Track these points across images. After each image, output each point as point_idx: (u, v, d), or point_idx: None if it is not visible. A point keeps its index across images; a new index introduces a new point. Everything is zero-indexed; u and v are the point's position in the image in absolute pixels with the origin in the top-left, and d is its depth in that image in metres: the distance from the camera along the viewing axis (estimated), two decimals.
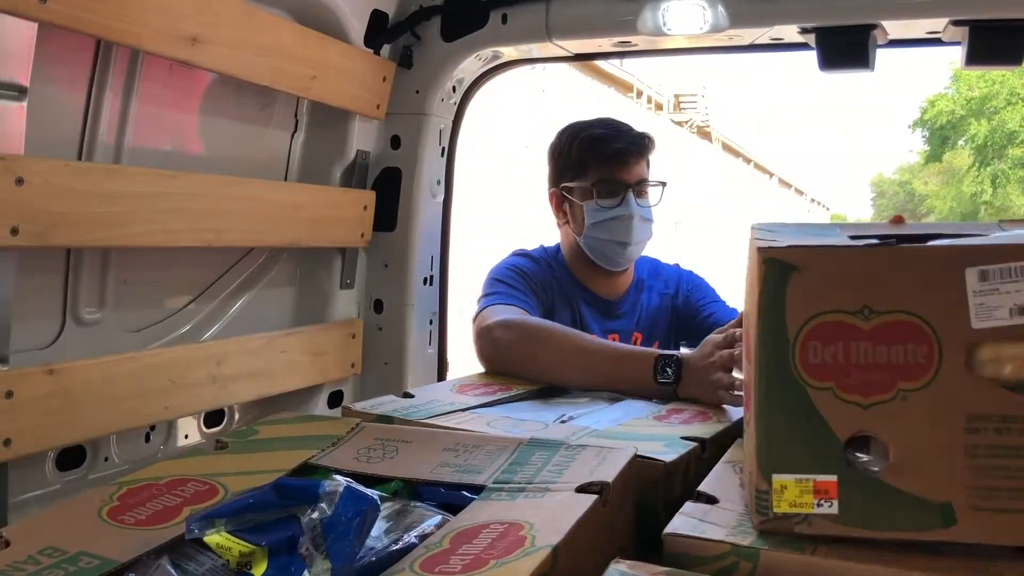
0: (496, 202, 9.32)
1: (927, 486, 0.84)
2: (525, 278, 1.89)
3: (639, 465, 1.03)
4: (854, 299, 0.85)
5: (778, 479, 0.87)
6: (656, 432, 1.23)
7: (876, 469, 0.85)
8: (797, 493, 0.86)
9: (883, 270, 0.85)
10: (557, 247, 2.04)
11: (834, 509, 0.86)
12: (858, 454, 0.86)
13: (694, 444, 1.16)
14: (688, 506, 0.95)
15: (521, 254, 2.00)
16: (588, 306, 1.98)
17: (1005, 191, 24.40)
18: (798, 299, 0.86)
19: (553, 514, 0.86)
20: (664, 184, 1.97)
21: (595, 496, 0.89)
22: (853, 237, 0.93)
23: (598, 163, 1.89)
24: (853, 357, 0.85)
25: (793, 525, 0.86)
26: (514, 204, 9.83)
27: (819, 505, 0.86)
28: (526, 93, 10.18)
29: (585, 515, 0.85)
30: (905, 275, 0.84)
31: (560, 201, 1.97)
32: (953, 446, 0.83)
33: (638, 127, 2.00)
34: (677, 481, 1.09)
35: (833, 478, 0.86)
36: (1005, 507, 0.82)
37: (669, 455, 1.10)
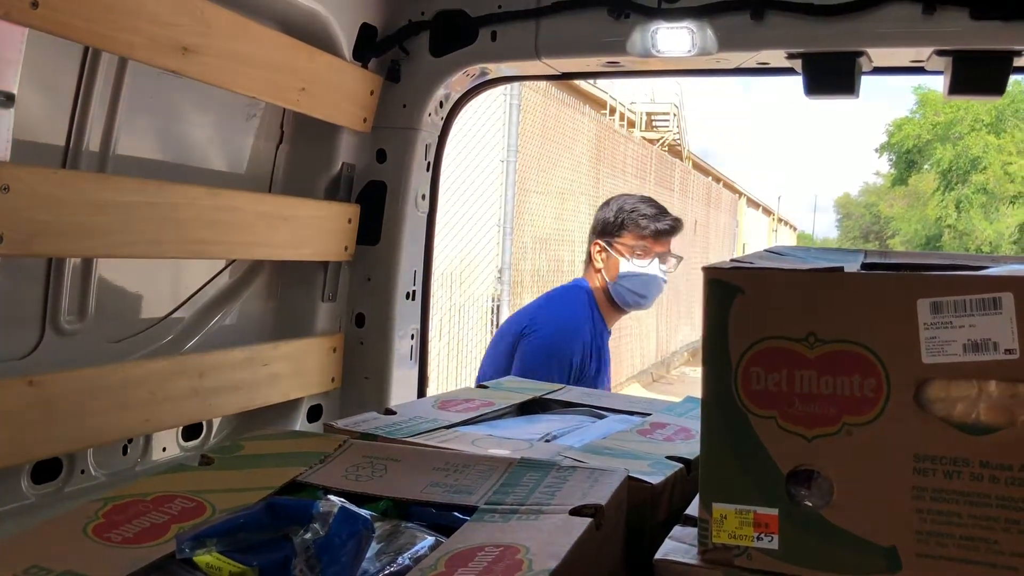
0: (483, 217, 9.32)
1: (871, 527, 0.80)
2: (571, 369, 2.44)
3: (627, 487, 1.03)
4: (799, 325, 0.81)
5: (718, 508, 0.85)
6: (640, 449, 1.23)
7: (819, 505, 0.82)
8: (737, 524, 0.84)
9: (830, 297, 0.81)
10: (588, 289, 2.60)
11: (774, 544, 0.83)
12: (801, 488, 0.83)
13: (679, 465, 1.16)
14: (677, 530, 0.94)
15: (578, 320, 2.53)
16: (602, 337, 2.59)
17: (968, 215, 24.84)
18: (741, 322, 0.83)
19: (548, 537, 0.85)
20: (680, 259, 2.61)
21: (589, 519, 0.88)
22: (866, 265, 0.92)
23: (643, 233, 2.53)
24: (797, 386, 0.81)
25: (733, 557, 0.84)
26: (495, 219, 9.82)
27: (759, 538, 0.83)
28: (501, 107, 10.19)
29: (580, 539, 0.85)
30: (853, 303, 0.80)
31: (600, 251, 2.58)
32: (899, 487, 0.79)
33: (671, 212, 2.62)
34: (663, 502, 1.09)
35: (774, 511, 0.83)
36: (954, 555, 0.78)
37: (656, 477, 1.09)
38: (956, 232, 25.16)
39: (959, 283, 0.78)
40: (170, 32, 1.46)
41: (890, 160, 27.55)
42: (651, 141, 18.61)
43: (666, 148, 19.52)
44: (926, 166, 26.48)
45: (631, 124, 18.16)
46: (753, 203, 30.01)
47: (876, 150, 28.23)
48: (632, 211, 2.56)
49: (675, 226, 2.57)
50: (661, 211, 2.60)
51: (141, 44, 1.41)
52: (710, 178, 23.23)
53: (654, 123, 19.65)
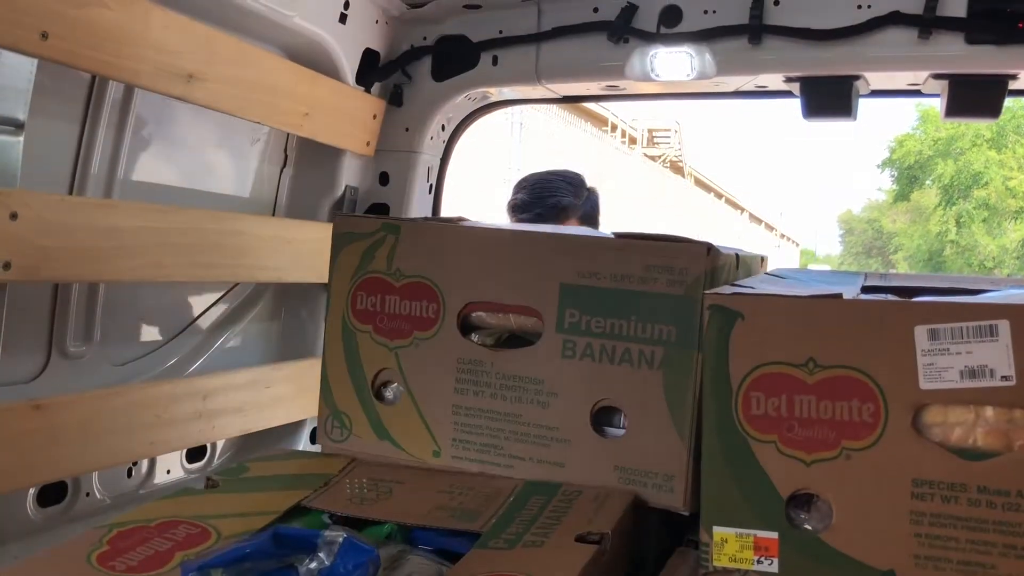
0: None
1: (870, 551, 0.81)
2: None
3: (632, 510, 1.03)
4: (799, 351, 0.82)
5: (719, 532, 0.85)
6: None
7: (818, 529, 0.83)
8: (737, 548, 0.84)
9: (829, 323, 0.82)
10: None
11: (774, 567, 0.83)
12: (801, 512, 0.84)
13: None
14: (679, 553, 0.95)
15: None
16: None
17: (970, 230, 24.76)
18: (742, 348, 0.84)
19: (554, 565, 0.85)
20: None
21: (595, 546, 0.89)
22: (866, 288, 0.93)
23: (510, 211, 2.22)
24: (797, 411, 0.82)
25: None
26: None
27: (759, 562, 0.84)
28: (504, 127, 10.25)
29: (585, 567, 0.85)
30: (851, 329, 0.82)
31: None
32: (897, 511, 0.80)
33: (563, 192, 2.21)
34: (666, 526, 1.09)
35: (774, 535, 0.83)
36: None
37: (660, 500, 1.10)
38: (959, 248, 25.08)
39: (956, 310, 0.79)
40: (175, 60, 1.47)
41: (892, 176, 27.50)
42: (653, 158, 18.64)
43: (667, 165, 19.52)
44: (928, 181, 26.43)
45: (632, 141, 18.20)
46: (755, 219, 30.02)
47: (878, 166, 28.17)
48: (512, 204, 2.28)
49: (559, 212, 2.17)
50: (546, 194, 2.23)
51: (147, 72, 1.43)
52: (711, 194, 23.23)
53: (655, 140, 19.69)
